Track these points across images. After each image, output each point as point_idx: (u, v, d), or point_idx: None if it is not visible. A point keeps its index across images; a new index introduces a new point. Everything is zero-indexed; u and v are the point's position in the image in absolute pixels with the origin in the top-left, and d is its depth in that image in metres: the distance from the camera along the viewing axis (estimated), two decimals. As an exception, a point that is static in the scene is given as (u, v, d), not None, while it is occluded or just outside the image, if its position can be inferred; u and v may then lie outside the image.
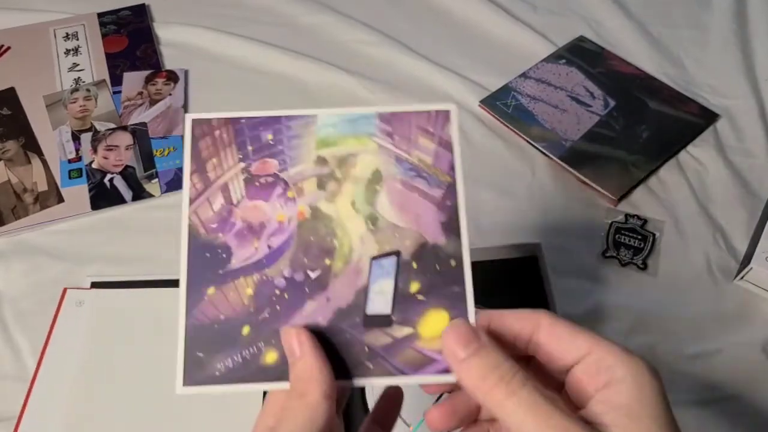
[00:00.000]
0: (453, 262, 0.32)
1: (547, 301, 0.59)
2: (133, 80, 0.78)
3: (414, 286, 0.32)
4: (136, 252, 0.65)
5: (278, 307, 0.31)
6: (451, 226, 0.32)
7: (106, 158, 0.71)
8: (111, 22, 0.85)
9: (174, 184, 0.69)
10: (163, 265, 0.63)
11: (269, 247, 0.32)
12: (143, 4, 0.87)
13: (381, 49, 0.82)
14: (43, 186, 0.69)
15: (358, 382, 0.31)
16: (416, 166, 0.33)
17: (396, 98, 0.76)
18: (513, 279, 0.61)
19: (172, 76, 0.79)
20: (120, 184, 0.69)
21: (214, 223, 0.33)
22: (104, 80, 0.79)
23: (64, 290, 0.60)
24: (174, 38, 0.84)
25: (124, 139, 0.73)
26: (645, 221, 0.65)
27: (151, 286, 0.60)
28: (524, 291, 0.60)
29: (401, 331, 0.31)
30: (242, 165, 0.33)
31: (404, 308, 0.31)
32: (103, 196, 0.68)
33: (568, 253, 0.64)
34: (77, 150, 0.72)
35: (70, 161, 0.71)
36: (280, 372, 0.31)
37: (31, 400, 0.54)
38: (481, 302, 0.63)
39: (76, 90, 0.77)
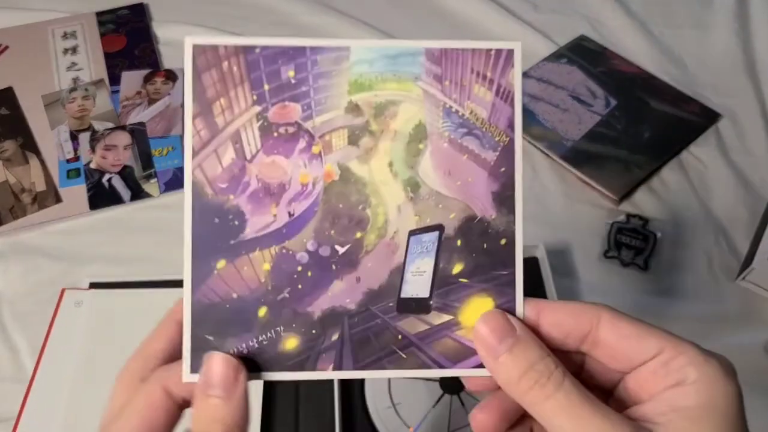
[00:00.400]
0: (503, 241, 0.28)
1: (548, 301, 0.59)
2: (131, 79, 0.78)
3: (457, 267, 0.28)
4: (134, 252, 0.64)
5: (300, 286, 0.27)
6: (504, 198, 0.28)
7: (104, 158, 0.71)
8: (109, 21, 0.85)
9: (173, 183, 0.69)
10: (162, 265, 0.63)
11: (290, 214, 0.28)
12: (142, 3, 0.87)
13: (381, 49, 0.81)
14: (41, 186, 0.69)
15: (390, 373, 0.28)
16: (468, 121, 0.28)
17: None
18: (514, 279, 0.60)
19: (170, 76, 0.78)
20: (118, 184, 0.69)
21: (223, 181, 0.27)
22: (103, 80, 0.78)
23: (63, 291, 0.60)
24: (173, 37, 0.83)
25: (123, 138, 0.72)
26: (646, 221, 0.65)
27: (150, 286, 0.60)
28: (525, 292, 0.60)
29: (440, 318, 0.28)
30: (257, 109, 0.27)
31: (445, 292, 0.28)
32: (101, 196, 0.68)
33: (569, 253, 0.64)
34: (75, 150, 0.71)
35: (68, 161, 0.71)
36: (300, 361, 0.27)
37: (29, 400, 0.54)
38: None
39: (74, 89, 0.77)
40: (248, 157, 0.27)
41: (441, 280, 0.28)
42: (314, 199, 0.28)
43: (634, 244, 0.64)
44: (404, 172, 0.28)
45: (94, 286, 0.61)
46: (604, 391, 0.28)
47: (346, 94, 0.27)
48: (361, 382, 0.55)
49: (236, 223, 0.27)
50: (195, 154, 0.27)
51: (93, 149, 0.71)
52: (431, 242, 0.28)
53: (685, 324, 0.59)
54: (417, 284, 0.28)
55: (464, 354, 0.28)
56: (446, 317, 0.28)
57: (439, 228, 0.28)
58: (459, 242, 0.28)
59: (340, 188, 0.28)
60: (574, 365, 0.28)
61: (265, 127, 0.27)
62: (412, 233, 0.28)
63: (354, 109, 0.28)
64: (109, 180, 0.69)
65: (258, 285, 0.27)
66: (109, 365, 0.55)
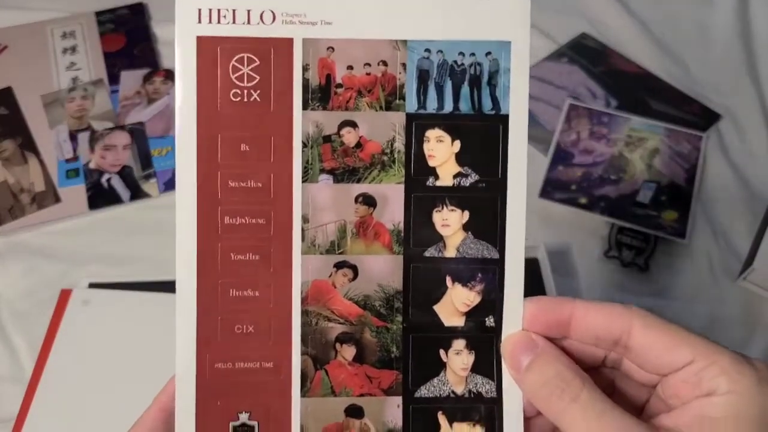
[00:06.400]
0: None
1: (548, 302, 0.59)
2: (130, 79, 0.78)
3: None
4: (133, 253, 0.64)
5: None
6: None
7: (103, 158, 0.71)
8: (109, 21, 0.84)
9: (172, 183, 0.69)
10: (160, 266, 0.63)
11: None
12: (141, 3, 0.86)
13: (381, 48, 0.81)
14: (40, 186, 0.69)
15: None
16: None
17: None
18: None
19: (170, 75, 0.78)
20: (117, 184, 0.69)
21: None
22: (102, 79, 0.78)
23: (62, 291, 0.60)
24: (172, 37, 0.82)
25: (122, 138, 0.72)
26: (647, 222, 0.65)
27: (150, 287, 0.60)
28: (525, 292, 0.59)
29: None
30: None
31: None
32: (100, 196, 0.68)
33: (570, 253, 0.64)
34: (74, 150, 0.71)
35: (67, 161, 0.70)
36: None
37: (36, 399, 0.53)
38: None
39: (73, 89, 0.77)
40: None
41: None
42: (605, 158, 0.70)
43: (634, 244, 0.64)
44: (646, 160, 0.69)
45: (93, 286, 0.61)
46: (645, 390, 0.28)
47: (627, 131, 0.68)
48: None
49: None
50: None
51: (92, 149, 0.71)
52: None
53: (685, 325, 0.59)
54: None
55: None
56: None
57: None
58: None
59: (618, 158, 0.69)
60: (605, 381, 0.29)
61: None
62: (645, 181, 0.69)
63: (629, 136, 0.70)
64: (108, 180, 0.69)
65: None
66: (115, 366, 0.56)
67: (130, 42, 0.82)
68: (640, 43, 0.81)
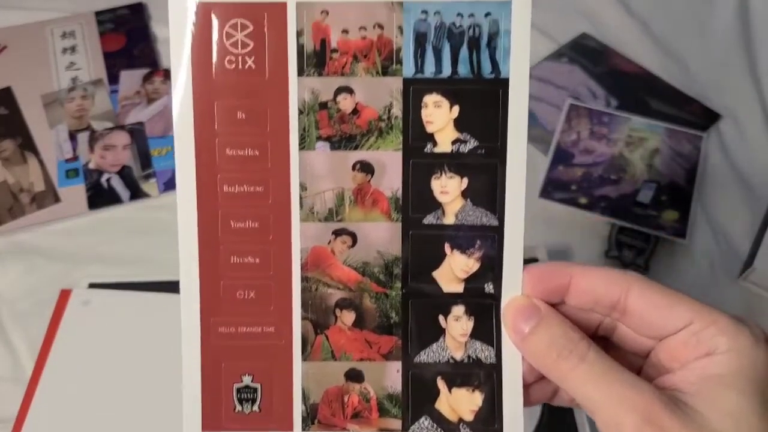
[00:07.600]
0: None
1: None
2: (130, 79, 0.78)
3: None
4: (133, 253, 0.64)
5: None
6: None
7: (103, 158, 0.71)
8: (108, 21, 0.84)
9: (172, 183, 0.69)
10: (160, 266, 0.63)
11: None
12: (141, 3, 0.86)
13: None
14: (39, 186, 0.68)
15: None
16: None
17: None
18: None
19: (169, 75, 0.78)
20: (117, 184, 0.69)
21: None
22: (101, 79, 0.78)
23: (62, 291, 0.60)
24: (172, 36, 0.83)
25: (122, 138, 0.72)
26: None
27: (150, 287, 0.60)
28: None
29: None
30: None
31: None
32: (100, 196, 0.68)
33: (570, 253, 0.64)
34: (74, 149, 0.71)
35: (66, 161, 0.70)
36: None
37: (36, 400, 0.53)
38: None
39: (73, 89, 0.77)
40: None
41: None
42: (605, 157, 0.67)
43: (635, 245, 0.63)
44: (646, 160, 0.69)
45: (93, 286, 0.61)
46: (636, 359, 0.28)
47: (628, 132, 0.61)
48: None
49: None
50: None
51: (92, 149, 0.71)
52: None
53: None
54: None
55: None
56: None
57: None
58: None
59: (618, 159, 0.67)
60: (605, 331, 0.29)
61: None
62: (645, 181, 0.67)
63: (629, 136, 0.66)
64: (108, 180, 0.69)
65: None
66: (115, 366, 0.56)
67: (130, 42, 0.82)
68: (640, 43, 0.81)
